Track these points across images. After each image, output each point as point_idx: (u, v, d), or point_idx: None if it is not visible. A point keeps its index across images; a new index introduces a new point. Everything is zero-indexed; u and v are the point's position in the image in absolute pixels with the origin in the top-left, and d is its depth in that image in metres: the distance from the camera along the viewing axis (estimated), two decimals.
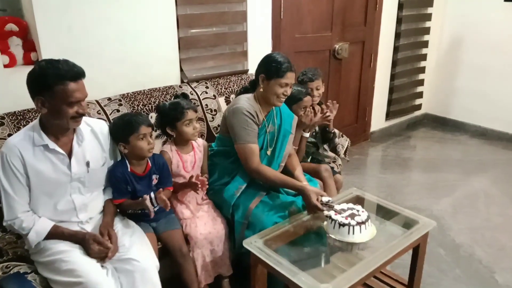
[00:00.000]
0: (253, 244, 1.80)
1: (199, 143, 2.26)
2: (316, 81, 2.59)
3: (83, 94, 1.66)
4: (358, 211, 1.90)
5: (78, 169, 1.77)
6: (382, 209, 2.17)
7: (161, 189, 1.92)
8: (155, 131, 2.19)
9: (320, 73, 2.65)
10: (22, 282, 1.64)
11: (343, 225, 1.81)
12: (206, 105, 2.70)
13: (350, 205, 1.95)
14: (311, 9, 3.43)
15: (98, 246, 1.70)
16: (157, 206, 1.91)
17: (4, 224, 1.71)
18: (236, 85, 2.91)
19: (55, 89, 1.59)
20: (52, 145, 1.71)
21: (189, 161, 2.18)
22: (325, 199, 1.95)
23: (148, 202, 1.83)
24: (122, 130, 1.90)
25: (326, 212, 1.90)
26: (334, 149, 2.74)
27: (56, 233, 1.73)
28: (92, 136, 1.86)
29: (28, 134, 1.70)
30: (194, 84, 2.76)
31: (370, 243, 1.82)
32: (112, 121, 2.10)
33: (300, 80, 2.61)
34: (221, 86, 2.84)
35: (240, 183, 2.14)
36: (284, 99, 2.12)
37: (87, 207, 1.84)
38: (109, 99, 2.41)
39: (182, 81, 2.80)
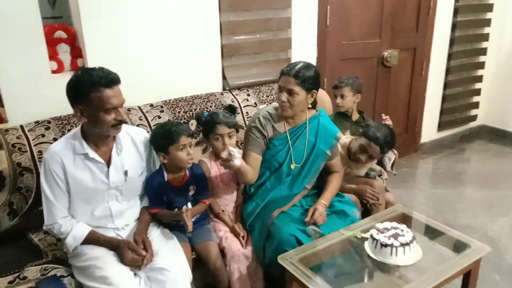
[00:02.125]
0: (289, 260, 1.72)
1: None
2: (341, 89, 2.59)
3: (120, 100, 1.66)
4: (402, 231, 1.77)
5: (116, 178, 1.78)
6: (430, 229, 2.02)
7: (186, 207, 1.89)
8: (195, 138, 2.16)
9: (352, 83, 2.61)
10: (58, 285, 1.65)
11: (386, 245, 1.69)
12: (247, 112, 2.66)
13: (394, 224, 1.82)
14: (359, 14, 3.31)
15: (132, 253, 1.69)
16: (194, 217, 1.88)
17: (44, 228, 1.75)
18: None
19: (91, 97, 1.61)
20: (92, 153, 1.72)
21: (227, 172, 2.14)
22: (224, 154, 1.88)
23: (185, 216, 1.80)
24: (162, 140, 1.87)
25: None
26: (380, 162, 2.60)
27: (92, 239, 1.74)
28: (132, 145, 1.86)
29: (69, 142, 1.73)
30: (235, 92, 2.73)
31: (414, 267, 1.68)
32: (153, 129, 2.10)
33: (333, 85, 2.63)
34: (262, 93, 2.79)
35: (258, 202, 2.08)
36: (286, 106, 1.98)
37: (124, 214, 1.84)
38: (151, 105, 2.42)
39: (224, 89, 2.78)
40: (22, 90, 2.12)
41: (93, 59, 2.28)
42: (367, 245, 1.79)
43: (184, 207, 1.91)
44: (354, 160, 2.33)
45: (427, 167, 4.10)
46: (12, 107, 2.12)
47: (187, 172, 1.97)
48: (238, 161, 1.80)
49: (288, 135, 2.08)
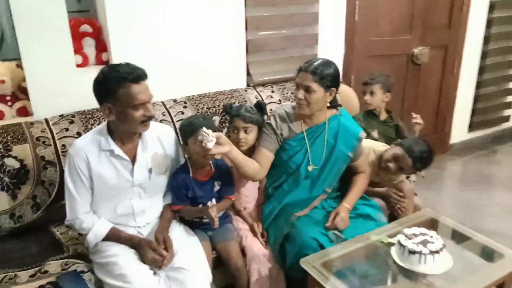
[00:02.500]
0: (311, 264, 1.66)
1: None
2: (372, 86, 2.51)
3: (147, 96, 1.64)
4: (431, 237, 1.69)
5: (141, 175, 1.76)
6: (459, 235, 1.93)
7: (211, 203, 1.87)
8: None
9: (384, 81, 2.53)
10: (78, 281, 1.65)
11: (414, 252, 1.61)
12: (271, 109, 2.60)
13: (423, 229, 1.74)
14: (389, 10, 3.19)
15: (153, 253, 1.67)
16: (219, 213, 1.85)
17: (66, 223, 1.75)
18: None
19: (118, 93, 1.58)
20: (117, 150, 1.71)
21: None
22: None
23: (211, 211, 1.76)
24: (183, 131, 1.88)
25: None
26: None
27: (113, 236, 1.73)
28: (158, 143, 1.84)
29: (95, 138, 1.72)
30: (260, 88, 2.68)
31: (444, 276, 1.60)
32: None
33: (363, 81, 2.57)
34: (287, 90, 2.73)
35: (274, 205, 2.03)
36: (302, 104, 1.91)
37: (145, 212, 1.83)
38: (175, 100, 2.40)
39: (248, 85, 2.73)
40: (47, 84, 2.13)
41: (117, 53, 2.27)
42: (393, 251, 1.72)
43: (209, 202, 1.88)
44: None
45: (456, 169, 3.96)
46: (37, 101, 2.13)
47: (212, 167, 1.94)
48: (210, 144, 1.65)
49: (305, 136, 2.00)
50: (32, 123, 2.04)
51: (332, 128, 2.00)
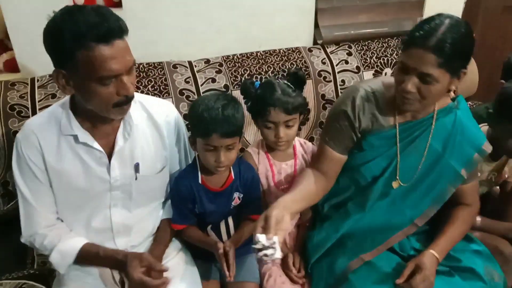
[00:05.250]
0: None
1: (307, 149, 1.49)
2: None
3: (123, 64, 1.06)
4: None
5: (121, 173, 1.23)
6: None
7: (221, 243, 1.26)
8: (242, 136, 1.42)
9: None
10: None
11: None
12: (343, 81, 1.87)
13: None
14: None
15: (142, 273, 1.16)
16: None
17: (22, 240, 1.27)
18: (398, 54, 1.96)
19: (77, 57, 1.02)
20: (83, 136, 1.17)
21: (284, 173, 1.44)
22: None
23: (222, 257, 1.21)
24: (191, 122, 1.29)
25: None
26: None
27: (89, 255, 1.23)
28: (150, 126, 1.28)
29: (54, 116, 1.19)
30: (331, 48, 1.95)
31: None
32: (194, 100, 1.45)
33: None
34: (372, 53, 1.97)
35: (330, 232, 1.37)
36: (413, 100, 1.19)
37: (130, 230, 1.31)
38: (207, 61, 1.79)
39: (315, 42, 1.99)
40: (35, 29, 1.58)
41: None
42: None
43: (220, 243, 1.26)
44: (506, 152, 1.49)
45: None
46: (22, 52, 1.66)
47: (232, 173, 1.34)
48: (278, 254, 1.05)
49: (397, 134, 1.29)
50: (13, 84, 1.58)
51: (441, 126, 1.30)
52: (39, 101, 1.53)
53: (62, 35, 1.01)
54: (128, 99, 1.11)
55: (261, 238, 1.03)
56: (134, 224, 1.30)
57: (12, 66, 1.75)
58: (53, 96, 1.55)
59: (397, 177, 1.32)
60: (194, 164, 1.34)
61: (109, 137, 1.21)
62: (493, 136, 1.46)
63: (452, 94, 1.31)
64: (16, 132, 1.48)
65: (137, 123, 1.24)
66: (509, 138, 1.45)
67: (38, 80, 1.59)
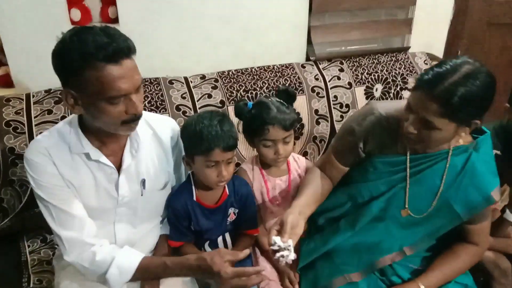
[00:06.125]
0: None
1: (301, 164, 1.51)
2: None
3: (132, 84, 1.06)
4: None
5: (129, 189, 1.24)
6: None
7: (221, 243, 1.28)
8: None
9: None
10: None
11: None
12: (335, 97, 1.90)
13: None
14: None
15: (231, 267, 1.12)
16: None
17: (69, 260, 1.16)
18: (388, 70, 2.00)
19: (85, 77, 1.02)
20: (95, 154, 1.17)
21: (278, 188, 1.46)
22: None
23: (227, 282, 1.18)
24: (188, 141, 1.28)
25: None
26: None
27: (150, 267, 1.19)
28: (154, 143, 1.29)
29: (62, 136, 1.17)
30: (323, 64, 1.98)
31: None
32: (187, 118, 1.46)
33: None
34: (363, 69, 1.99)
35: (318, 244, 1.37)
36: (412, 139, 1.16)
37: (134, 245, 1.29)
38: (203, 77, 1.80)
39: (308, 59, 2.02)
40: (31, 46, 1.62)
41: (127, 8, 1.68)
42: None
43: (220, 241, 1.35)
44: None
45: None
46: (18, 68, 1.65)
47: (227, 189, 1.36)
48: (292, 255, 1.08)
49: (407, 162, 1.25)
50: (8, 99, 1.56)
51: (452, 165, 1.23)
52: (35, 117, 1.52)
53: (71, 56, 1.01)
54: (137, 117, 1.12)
55: (277, 240, 1.07)
56: (137, 240, 1.30)
57: (6, 81, 1.72)
58: (49, 112, 1.54)
59: (406, 206, 1.28)
60: (188, 182, 1.35)
61: (116, 155, 1.21)
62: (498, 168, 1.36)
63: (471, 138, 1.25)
64: (12, 148, 1.48)
65: (143, 140, 1.24)
66: None
67: (33, 96, 1.57)
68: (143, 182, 1.25)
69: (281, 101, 1.37)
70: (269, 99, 1.38)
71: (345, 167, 1.36)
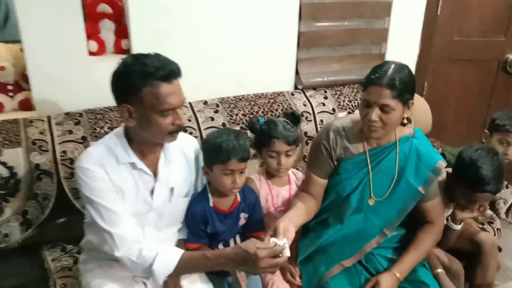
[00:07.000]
0: None
1: (299, 177, 1.74)
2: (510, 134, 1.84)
3: (179, 99, 1.28)
4: None
5: (161, 196, 1.40)
6: None
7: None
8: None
9: None
10: None
11: None
12: (321, 120, 2.13)
13: None
14: (481, 3, 2.59)
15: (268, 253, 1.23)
16: None
17: (118, 255, 1.28)
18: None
19: (143, 93, 1.23)
20: (140, 163, 1.35)
21: (281, 196, 1.67)
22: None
23: (238, 272, 1.40)
24: (209, 152, 1.47)
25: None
26: (492, 205, 1.95)
27: (192, 260, 1.31)
28: (182, 157, 1.48)
29: (110, 148, 1.34)
30: (310, 92, 2.21)
31: None
32: (208, 134, 1.66)
33: (501, 124, 1.85)
34: (344, 97, 2.24)
35: (312, 239, 1.61)
36: (377, 127, 1.45)
37: None
38: (205, 102, 1.98)
39: (296, 87, 2.26)
40: (53, 73, 1.77)
41: (139, 41, 1.87)
42: None
43: (232, 242, 1.51)
44: (458, 205, 1.69)
45: None
46: (40, 93, 1.78)
47: (238, 196, 1.54)
48: (287, 252, 1.28)
49: (367, 158, 1.55)
50: (31, 121, 1.70)
51: (401, 152, 1.55)
52: (57, 137, 1.66)
53: (132, 75, 1.22)
54: (181, 128, 1.32)
55: (274, 239, 1.26)
56: (161, 242, 1.41)
57: (26, 105, 1.88)
58: (70, 132, 1.68)
59: (371, 195, 1.55)
60: (205, 190, 1.52)
61: (153, 165, 1.38)
62: (448, 184, 1.68)
63: (410, 128, 1.58)
64: (37, 164, 1.61)
65: (174, 153, 1.42)
66: (462, 197, 1.65)
67: (54, 118, 1.72)
68: (172, 189, 1.42)
69: (287, 121, 1.61)
70: (278, 119, 1.62)
71: (324, 179, 1.60)
